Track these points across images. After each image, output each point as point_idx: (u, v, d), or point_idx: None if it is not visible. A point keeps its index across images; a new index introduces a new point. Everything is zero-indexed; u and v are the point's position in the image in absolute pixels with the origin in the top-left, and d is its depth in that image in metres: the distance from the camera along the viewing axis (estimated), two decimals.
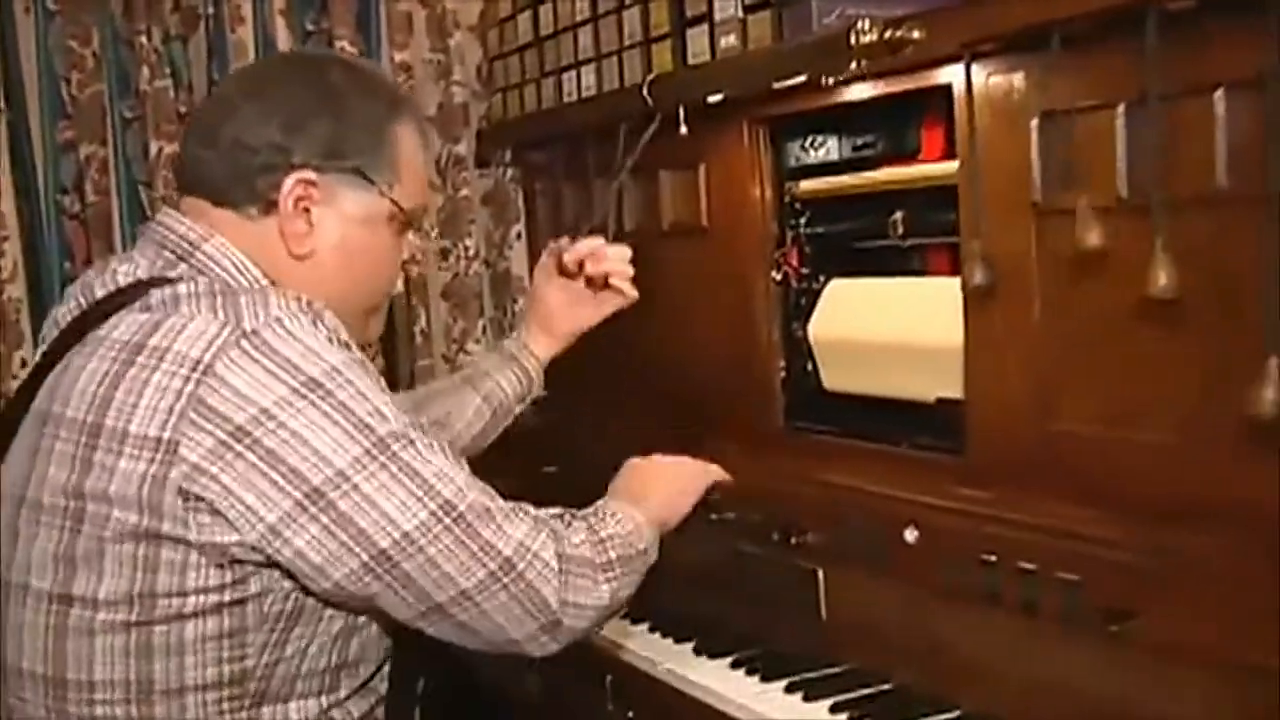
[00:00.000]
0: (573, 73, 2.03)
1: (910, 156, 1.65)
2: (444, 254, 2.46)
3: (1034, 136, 1.34)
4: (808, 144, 1.78)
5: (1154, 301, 1.18)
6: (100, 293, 1.25)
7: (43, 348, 1.28)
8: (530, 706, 1.72)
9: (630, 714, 1.54)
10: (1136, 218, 1.22)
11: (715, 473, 1.55)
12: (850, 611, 1.49)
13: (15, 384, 2.10)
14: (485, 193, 2.51)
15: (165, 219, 1.30)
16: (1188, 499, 1.19)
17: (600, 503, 1.41)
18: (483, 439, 1.78)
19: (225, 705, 1.19)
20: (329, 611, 1.22)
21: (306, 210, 1.28)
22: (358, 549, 1.15)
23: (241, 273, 1.26)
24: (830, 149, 1.76)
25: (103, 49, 2.21)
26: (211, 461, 1.12)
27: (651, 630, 1.64)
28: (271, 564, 1.16)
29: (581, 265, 1.75)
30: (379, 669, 1.31)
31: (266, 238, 1.27)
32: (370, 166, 1.30)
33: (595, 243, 1.76)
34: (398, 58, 2.37)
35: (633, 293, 1.76)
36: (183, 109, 2.23)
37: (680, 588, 1.63)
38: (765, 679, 1.44)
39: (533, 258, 2.46)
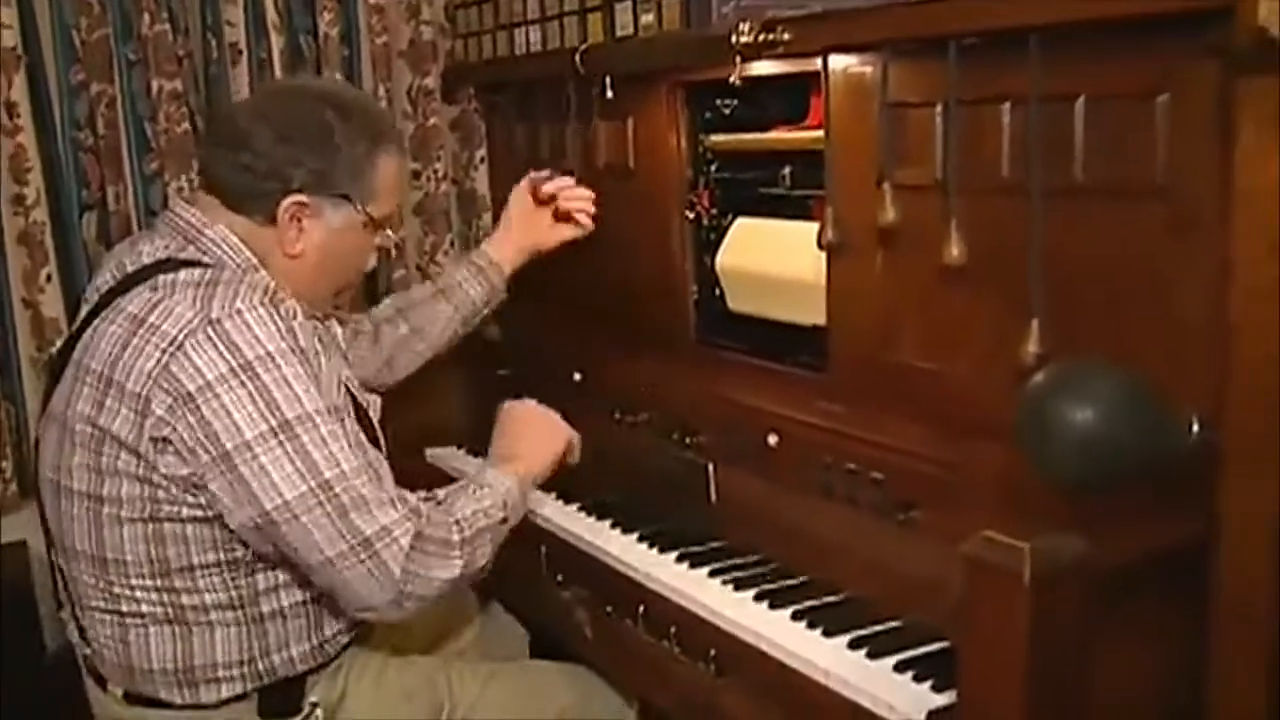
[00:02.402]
0: (523, 29, 2.32)
1: (799, 121, 1.96)
2: (415, 175, 2.75)
3: (877, 123, 1.66)
4: (717, 104, 2.09)
5: (950, 267, 1.52)
6: (130, 268, 1.58)
7: (86, 308, 1.61)
8: None
9: (560, 577, 1.92)
10: (945, 197, 1.55)
11: (571, 433, 1.85)
12: (732, 499, 1.85)
13: (42, 296, 2.44)
14: (452, 120, 2.79)
15: (178, 208, 1.64)
16: (979, 422, 1.52)
17: (474, 473, 1.71)
18: (454, 340, 2.15)
19: (228, 575, 1.54)
20: None
21: (299, 220, 1.61)
22: (249, 505, 1.45)
23: (236, 252, 1.59)
24: (735, 110, 2.07)
25: None
26: (170, 415, 1.44)
27: (580, 510, 2.00)
28: None
29: (553, 197, 2.11)
30: None
31: (265, 238, 1.61)
32: (352, 191, 1.64)
33: (566, 181, 2.12)
34: (372, 0, 2.64)
35: (589, 225, 2.13)
36: (180, 51, 2.48)
37: (604, 476, 2.00)
38: (663, 550, 1.80)
39: (494, 180, 2.77)
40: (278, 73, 2.55)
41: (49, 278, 2.44)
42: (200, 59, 2.55)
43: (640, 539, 1.85)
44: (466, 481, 1.67)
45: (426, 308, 2.11)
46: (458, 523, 1.55)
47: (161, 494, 1.48)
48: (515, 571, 2.00)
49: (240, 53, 2.54)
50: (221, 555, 1.53)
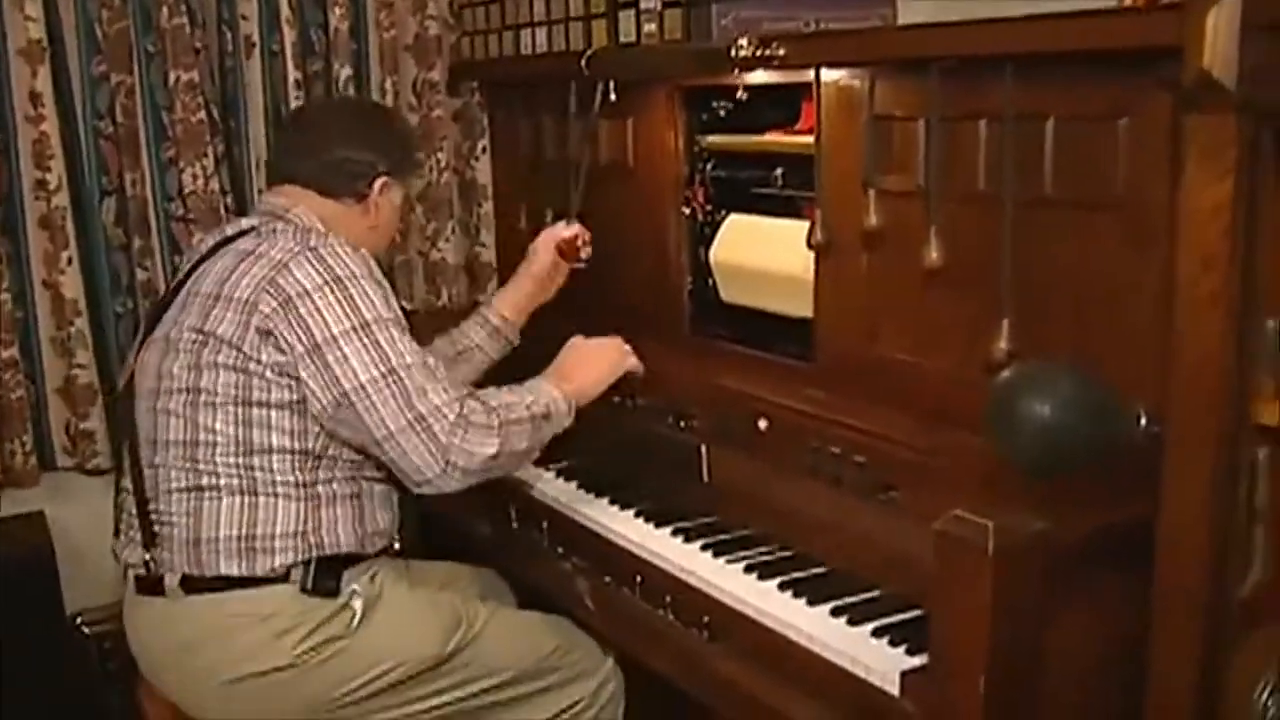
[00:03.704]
0: (529, 30, 2.44)
1: (791, 125, 2.09)
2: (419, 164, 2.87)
3: (865, 133, 1.79)
4: (714, 107, 2.22)
5: (929, 269, 1.66)
6: (230, 232, 1.94)
7: (192, 260, 1.96)
8: (487, 540, 2.24)
9: (560, 550, 2.05)
10: (926, 204, 1.69)
11: (631, 357, 2.09)
12: (724, 478, 1.99)
13: (62, 278, 2.54)
14: (455, 111, 2.90)
15: (269, 197, 2.01)
16: (953, 411, 1.67)
17: (532, 380, 1.98)
18: None
19: (296, 462, 1.84)
20: None
21: (381, 197, 2.01)
22: (333, 387, 1.78)
23: (313, 226, 1.93)
24: (731, 113, 2.20)
25: None
26: (274, 314, 1.78)
27: (579, 487, 2.13)
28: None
29: (574, 249, 2.30)
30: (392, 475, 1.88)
31: (348, 216, 1.99)
32: (411, 174, 2.13)
33: (578, 227, 2.32)
34: None
35: (587, 255, 2.33)
36: (197, 44, 2.58)
37: (603, 455, 2.14)
38: (659, 525, 1.93)
39: (496, 170, 2.90)
40: (289, 64, 2.65)
41: (69, 260, 2.54)
42: (216, 51, 2.65)
43: (638, 514, 1.99)
44: (513, 386, 1.95)
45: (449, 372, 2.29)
46: (495, 410, 1.83)
47: (255, 380, 1.80)
48: (519, 543, 2.15)
49: (253, 45, 2.64)
50: (295, 444, 1.83)
